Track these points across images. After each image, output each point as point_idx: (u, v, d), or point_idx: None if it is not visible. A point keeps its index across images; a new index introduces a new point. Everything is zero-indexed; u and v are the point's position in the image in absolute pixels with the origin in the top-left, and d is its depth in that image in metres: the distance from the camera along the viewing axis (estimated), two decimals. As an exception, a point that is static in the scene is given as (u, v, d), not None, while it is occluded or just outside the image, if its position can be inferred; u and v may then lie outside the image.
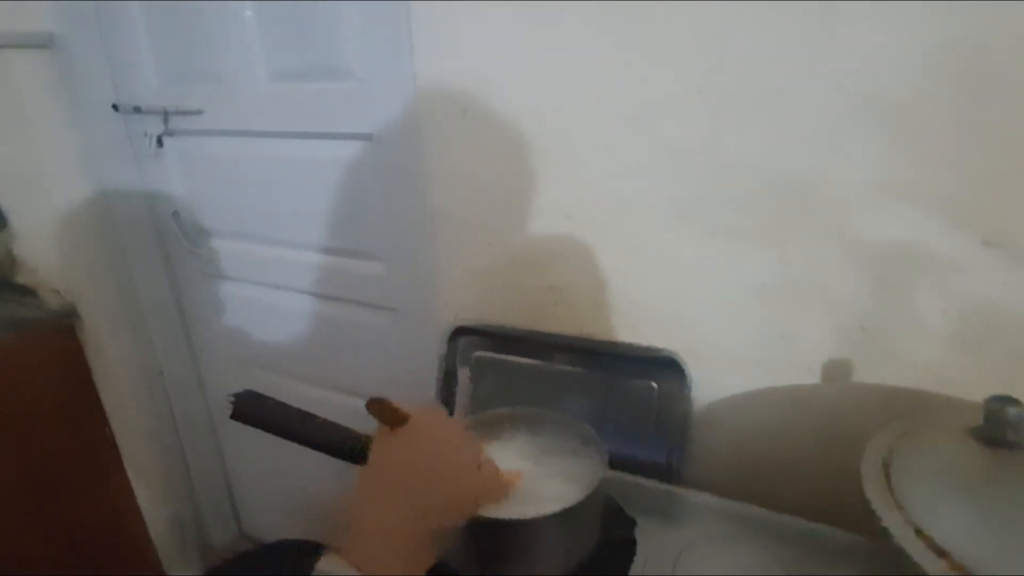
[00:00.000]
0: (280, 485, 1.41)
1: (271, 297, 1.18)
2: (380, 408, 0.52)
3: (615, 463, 0.78)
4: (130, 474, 1.34)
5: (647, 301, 0.77)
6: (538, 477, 0.62)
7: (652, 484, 0.75)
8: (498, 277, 0.85)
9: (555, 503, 0.58)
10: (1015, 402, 0.47)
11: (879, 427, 0.58)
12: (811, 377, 0.71)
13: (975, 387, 0.64)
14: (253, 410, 0.54)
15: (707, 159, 0.69)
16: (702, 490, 0.77)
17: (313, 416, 0.56)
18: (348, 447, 0.54)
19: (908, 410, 0.67)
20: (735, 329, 0.73)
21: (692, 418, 0.78)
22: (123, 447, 1.32)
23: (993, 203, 0.59)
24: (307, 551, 0.46)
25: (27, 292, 1.21)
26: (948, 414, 0.54)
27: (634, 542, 0.68)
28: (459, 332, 0.87)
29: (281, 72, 0.98)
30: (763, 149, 0.66)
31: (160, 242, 1.26)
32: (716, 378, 0.76)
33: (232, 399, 0.53)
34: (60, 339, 1.21)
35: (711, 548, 0.61)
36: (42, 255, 1.17)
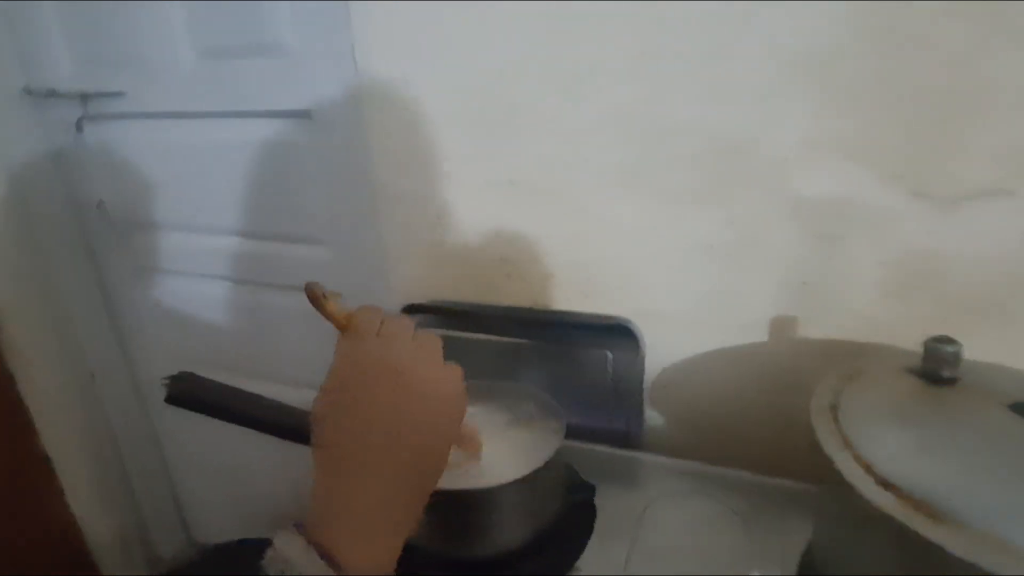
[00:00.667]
0: (229, 488, 1.35)
1: (211, 289, 1.12)
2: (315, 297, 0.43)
3: (574, 433, 0.79)
4: (65, 488, 1.26)
5: (596, 268, 0.77)
6: (497, 447, 0.61)
7: (610, 451, 0.76)
8: (447, 252, 0.84)
9: (515, 471, 0.57)
10: (951, 341, 0.49)
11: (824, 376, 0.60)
12: (758, 334, 0.73)
13: (910, 333, 0.66)
14: (191, 392, 0.50)
15: (648, 122, 0.69)
16: (660, 453, 0.78)
17: (258, 396, 0.53)
18: (298, 427, 0.51)
19: (850, 359, 0.70)
20: (684, 292, 0.74)
21: (647, 383, 0.79)
22: (55, 459, 1.23)
23: (919, 155, 0.61)
24: (258, 549, 0.39)
25: (-66, 297, 1.11)
26: (889, 359, 0.56)
27: (594, 506, 0.68)
28: (409, 310, 0.85)
29: (209, 49, 0.93)
30: (703, 110, 0.67)
31: (84, 236, 1.18)
32: (668, 341, 0.77)
33: (166, 381, 0.50)
34: (-25, 345, 1.12)
35: (670, 504, 0.62)
36: (-51, 255, 1.08)
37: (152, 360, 1.28)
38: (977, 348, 0.65)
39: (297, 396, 1.08)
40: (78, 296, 1.20)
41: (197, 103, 0.97)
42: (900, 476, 0.41)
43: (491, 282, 0.82)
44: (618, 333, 0.78)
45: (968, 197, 0.61)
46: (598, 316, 0.79)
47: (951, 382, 0.49)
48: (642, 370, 0.78)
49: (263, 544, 0.39)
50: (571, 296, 0.80)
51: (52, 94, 1.03)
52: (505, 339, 0.82)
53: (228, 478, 1.31)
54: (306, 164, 0.93)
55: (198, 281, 1.13)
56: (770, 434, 0.75)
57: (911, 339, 0.66)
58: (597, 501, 0.68)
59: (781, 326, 0.72)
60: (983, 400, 0.46)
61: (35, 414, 1.19)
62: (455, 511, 0.58)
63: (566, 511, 0.65)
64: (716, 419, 0.78)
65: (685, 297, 0.75)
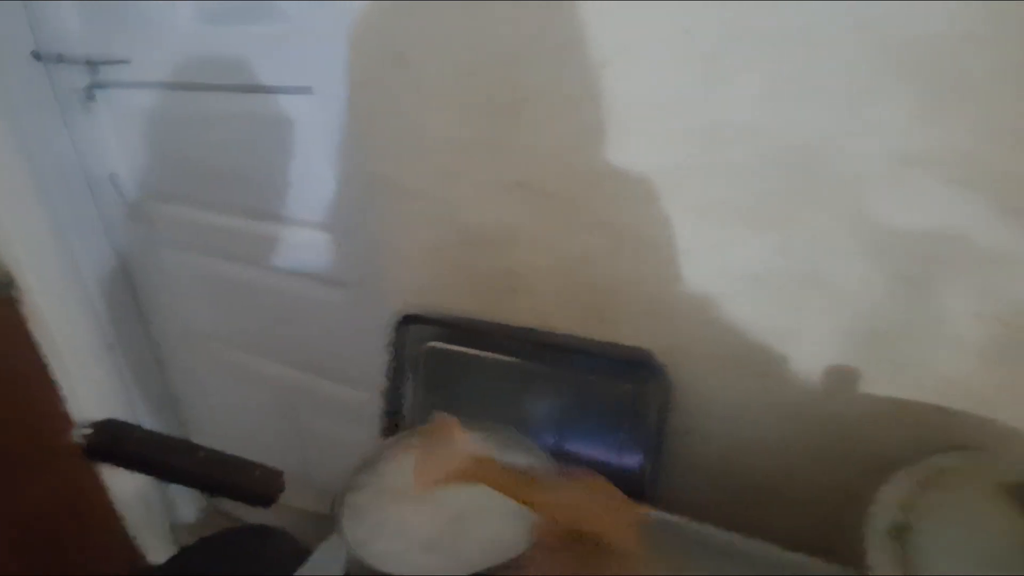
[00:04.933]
0: (251, 453, 1.34)
1: (219, 267, 1.07)
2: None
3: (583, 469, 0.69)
4: (87, 451, 1.27)
5: (618, 290, 0.65)
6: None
7: None
8: (450, 257, 0.73)
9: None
10: None
11: (892, 455, 0.47)
12: (811, 386, 0.59)
13: (1013, 407, 0.52)
14: (115, 444, 0.44)
15: (694, 118, 0.55)
16: (680, 506, 0.67)
17: (195, 448, 0.46)
18: (245, 485, 0.44)
19: (927, 431, 0.56)
20: (722, 327, 0.61)
21: (671, 425, 0.67)
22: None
23: (1054, 181, 0.46)
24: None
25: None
26: (978, 457, 0.42)
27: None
28: (409, 320, 0.76)
29: (208, 12, 0.85)
30: (765, 109, 0.53)
31: (99, 207, 1.14)
32: (700, 381, 0.65)
33: (87, 431, 0.43)
34: (1, 312, 1.12)
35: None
36: (-33, 222, 1.07)
37: (170, 331, 1.26)
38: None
39: (300, 378, 1.06)
40: (95, 267, 1.18)
41: (200, 73, 0.90)
42: None
43: (497, 295, 0.72)
44: (641, 365, 0.66)
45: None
46: (618, 346, 0.67)
47: None
48: (665, 412, 0.66)
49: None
50: (587, 320, 0.68)
51: (60, 59, 0.98)
52: (509, 360, 0.72)
53: (250, 444, 1.30)
54: (308, 144, 0.84)
55: (207, 257, 1.08)
56: (814, 505, 0.62)
57: (1011, 416, 0.52)
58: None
59: (840, 379, 0.58)
60: None
61: (60, 380, 1.20)
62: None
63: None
64: (749, 477, 0.66)
65: (725, 332, 0.62)
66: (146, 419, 1.36)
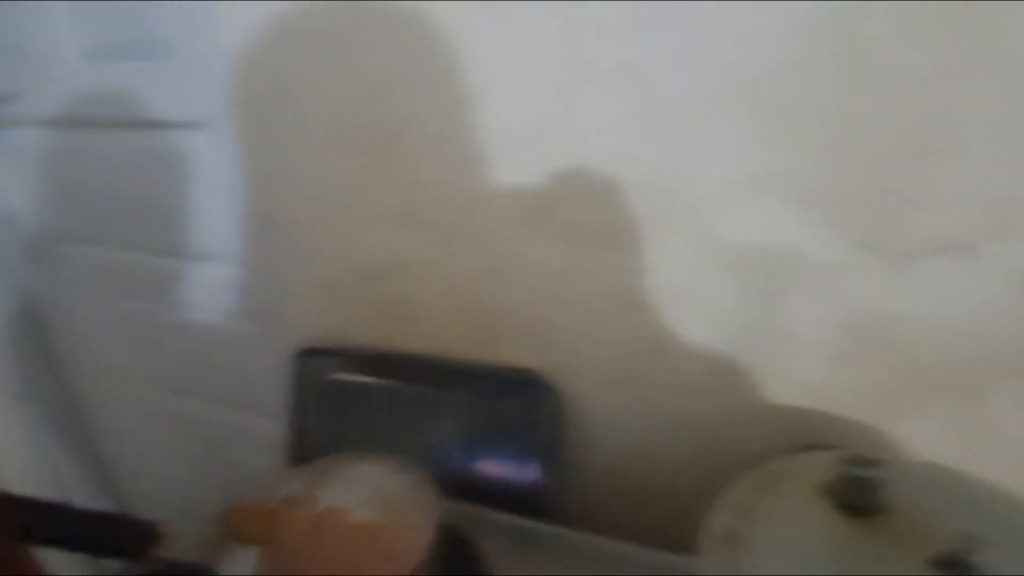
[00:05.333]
0: (177, 492, 1.30)
1: (129, 305, 1.05)
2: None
3: (481, 496, 0.71)
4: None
5: (506, 312, 0.67)
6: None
7: (520, 522, 0.67)
8: (346, 289, 0.74)
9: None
10: (871, 463, 0.38)
11: (761, 456, 0.50)
12: (687, 394, 0.62)
13: (864, 404, 0.56)
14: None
15: (558, 147, 0.58)
16: (578, 519, 0.69)
17: (65, 509, 0.45)
18: (115, 541, 0.43)
19: (791, 432, 0.60)
20: (602, 342, 0.64)
21: (565, 441, 0.69)
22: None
23: (869, 200, 0.50)
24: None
25: None
26: (812, 457, 0.45)
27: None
28: (307, 353, 0.76)
29: (96, 48, 0.84)
30: (618, 136, 0.56)
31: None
32: (588, 395, 0.68)
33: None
34: None
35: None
36: None
37: (83, 375, 1.22)
38: (940, 427, 0.55)
39: (221, 412, 1.04)
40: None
41: (94, 108, 0.88)
42: None
43: (392, 324, 0.73)
44: (531, 384, 0.68)
45: (923, 252, 0.50)
46: (508, 367, 0.69)
47: (872, 513, 0.38)
48: (558, 427, 0.68)
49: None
50: (479, 342, 0.70)
51: (-56, 96, 0.95)
52: (407, 386, 0.73)
53: (173, 482, 1.26)
54: (204, 178, 0.84)
55: (115, 296, 1.05)
56: (696, 509, 0.65)
57: (866, 411, 0.56)
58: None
59: (713, 387, 0.61)
60: (902, 547, 0.36)
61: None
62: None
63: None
64: (639, 486, 0.68)
65: (605, 348, 0.64)
66: (66, 468, 1.30)
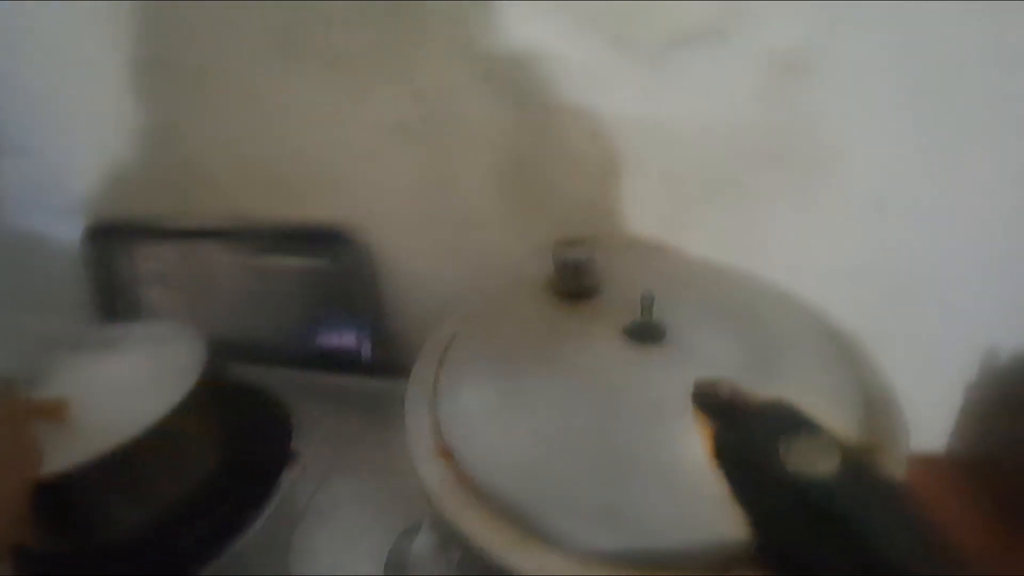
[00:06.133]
0: None
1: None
2: None
3: (299, 360, 0.70)
4: None
5: (292, 164, 0.63)
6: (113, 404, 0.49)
7: (326, 378, 0.66)
8: (124, 160, 0.67)
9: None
10: (577, 244, 0.38)
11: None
12: (481, 230, 0.61)
13: (638, 215, 0.57)
14: None
15: None
16: (397, 372, 0.69)
17: None
18: None
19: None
20: (394, 183, 0.61)
21: (380, 297, 0.68)
22: None
23: (610, -13, 0.47)
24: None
25: None
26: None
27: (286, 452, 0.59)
28: (93, 233, 0.70)
29: None
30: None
31: None
32: (393, 245, 0.66)
33: None
34: None
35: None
36: None
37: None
38: (711, 231, 0.56)
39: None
40: None
41: None
42: (465, 440, 0.32)
43: (183, 193, 0.67)
44: (335, 240, 0.66)
45: (676, 43, 0.48)
46: (308, 226, 0.66)
47: (585, 297, 0.39)
48: (369, 280, 0.66)
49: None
50: (280, 201, 0.66)
51: None
52: (210, 256, 0.68)
53: None
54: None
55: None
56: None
57: (643, 222, 0.57)
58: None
59: (504, 219, 0.60)
60: (603, 324, 0.36)
61: None
62: (55, 500, 0.47)
63: (238, 460, 0.56)
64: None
65: (398, 190, 0.62)
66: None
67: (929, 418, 0.60)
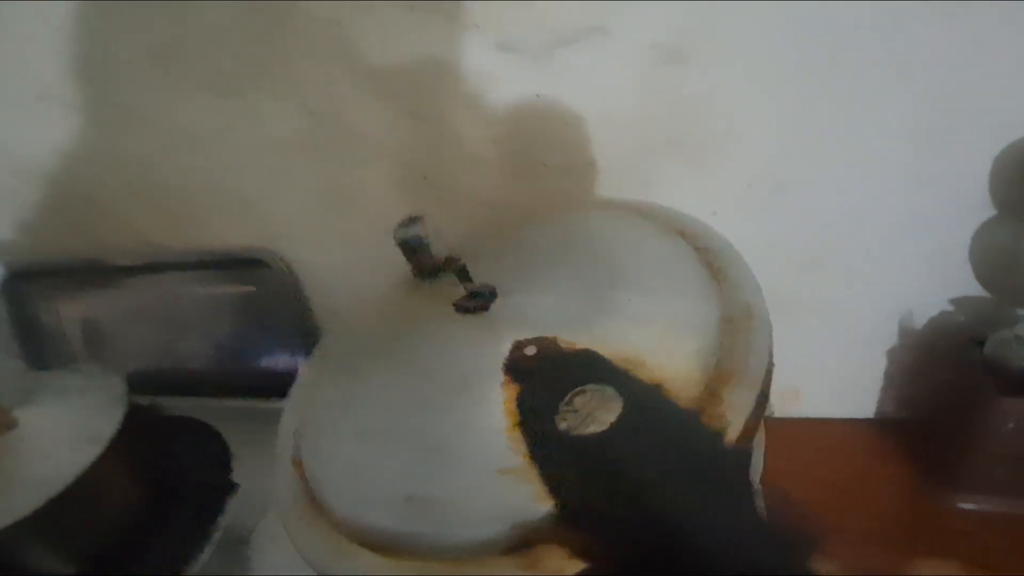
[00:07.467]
0: None
1: None
2: None
3: (235, 385, 0.69)
4: None
5: (195, 190, 0.62)
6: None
7: (256, 404, 0.66)
8: (29, 200, 0.66)
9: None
10: (414, 221, 0.37)
11: None
12: (388, 240, 0.60)
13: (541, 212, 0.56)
14: None
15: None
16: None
17: None
18: None
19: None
20: (299, 199, 0.60)
21: (308, 317, 0.67)
22: None
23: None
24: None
25: None
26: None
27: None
28: (14, 282, 0.68)
29: None
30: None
31: None
32: (313, 263, 0.65)
33: None
34: None
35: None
36: None
37: None
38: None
39: None
40: None
41: None
42: (310, 448, 0.32)
43: (95, 231, 0.66)
44: (258, 265, 0.65)
45: (561, 42, 0.48)
46: (228, 251, 0.64)
47: (430, 276, 0.38)
48: (295, 302, 0.66)
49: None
50: (197, 229, 0.64)
51: None
52: (132, 292, 0.67)
53: None
54: None
55: None
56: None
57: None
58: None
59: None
60: (437, 303, 0.36)
61: None
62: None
63: (176, 496, 0.55)
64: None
65: (306, 207, 0.61)
66: None
67: (855, 385, 0.61)
